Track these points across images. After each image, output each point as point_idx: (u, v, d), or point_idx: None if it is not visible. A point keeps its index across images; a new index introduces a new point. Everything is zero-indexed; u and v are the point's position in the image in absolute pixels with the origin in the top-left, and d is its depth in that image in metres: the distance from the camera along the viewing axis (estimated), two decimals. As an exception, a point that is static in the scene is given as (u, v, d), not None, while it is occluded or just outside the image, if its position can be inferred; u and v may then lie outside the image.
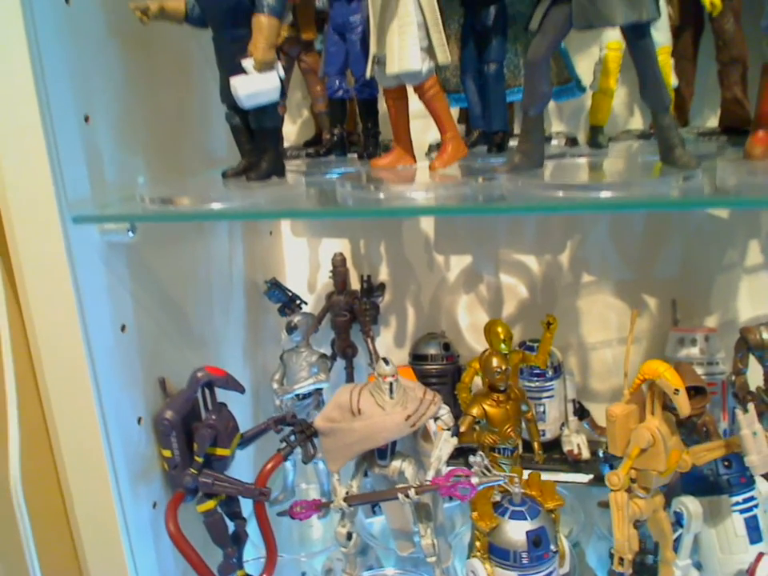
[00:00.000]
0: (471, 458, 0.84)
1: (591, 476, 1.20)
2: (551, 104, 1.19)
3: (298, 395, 1.16)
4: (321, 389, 1.18)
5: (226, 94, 0.79)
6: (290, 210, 0.82)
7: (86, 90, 0.76)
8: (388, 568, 1.07)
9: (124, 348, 0.85)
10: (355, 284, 1.35)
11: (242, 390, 0.92)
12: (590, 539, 1.14)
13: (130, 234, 0.79)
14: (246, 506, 0.97)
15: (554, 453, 1.22)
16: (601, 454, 1.14)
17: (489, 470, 0.82)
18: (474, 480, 0.80)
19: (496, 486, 0.83)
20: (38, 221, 0.74)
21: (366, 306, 1.30)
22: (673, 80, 0.94)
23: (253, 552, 1.04)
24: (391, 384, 0.89)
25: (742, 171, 0.71)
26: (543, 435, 1.22)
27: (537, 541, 0.82)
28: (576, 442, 1.23)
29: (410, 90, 0.84)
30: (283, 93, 0.78)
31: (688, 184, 0.68)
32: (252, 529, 0.99)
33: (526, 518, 0.84)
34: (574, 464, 1.21)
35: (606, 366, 1.33)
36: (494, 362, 0.96)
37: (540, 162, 0.75)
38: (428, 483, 0.85)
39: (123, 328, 0.84)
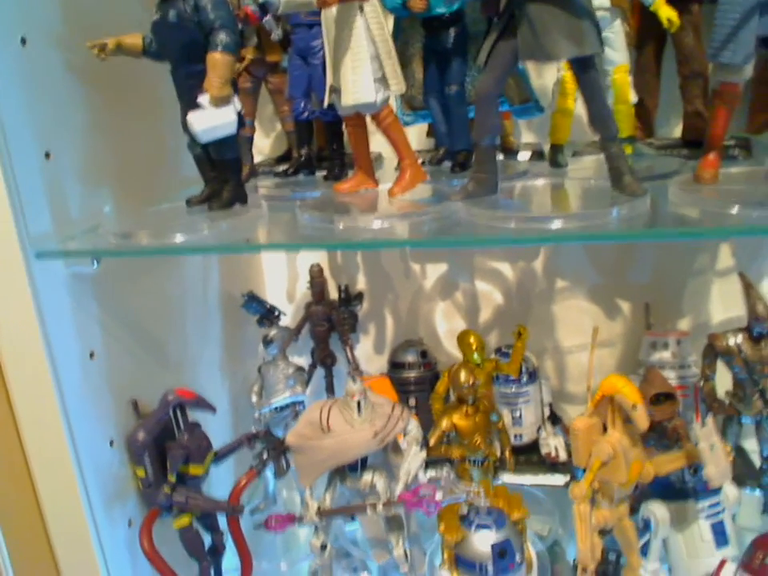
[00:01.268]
0: (436, 473, 0.86)
1: (568, 478, 1.23)
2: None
3: (276, 407, 1.18)
4: (301, 401, 1.19)
5: (188, 127, 0.80)
6: (248, 245, 0.83)
7: (47, 127, 0.78)
8: (364, 573, 1.09)
9: (93, 374, 0.86)
10: (333, 294, 1.36)
11: (212, 410, 0.93)
12: (570, 539, 1.16)
13: (95, 264, 0.81)
14: (224, 518, 0.99)
15: (532, 456, 1.24)
16: (574, 460, 1.16)
17: (456, 484, 0.85)
18: (438, 496, 0.82)
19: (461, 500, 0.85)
20: (1, 256, 0.75)
21: (344, 315, 1.31)
22: (632, 96, 0.94)
23: (235, 562, 1.06)
24: (359, 402, 0.91)
25: (688, 200, 0.73)
26: (520, 439, 1.24)
27: (502, 552, 0.84)
28: (553, 445, 1.24)
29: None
30: (242, 124, 0.79)
31: (631, 214, 0.70)
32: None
33: (491, 530, 0.85)
34: (552, 466, 1.23)
35: (581, 370, 1.34)
36: (462, 376, 0.98)
37: (494, 189, 0.77)
38: (395, 499, 0.87)
39: (92, 355, 0.86)
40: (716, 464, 0.83)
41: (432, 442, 0.97)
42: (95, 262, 0.81)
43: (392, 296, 1.38)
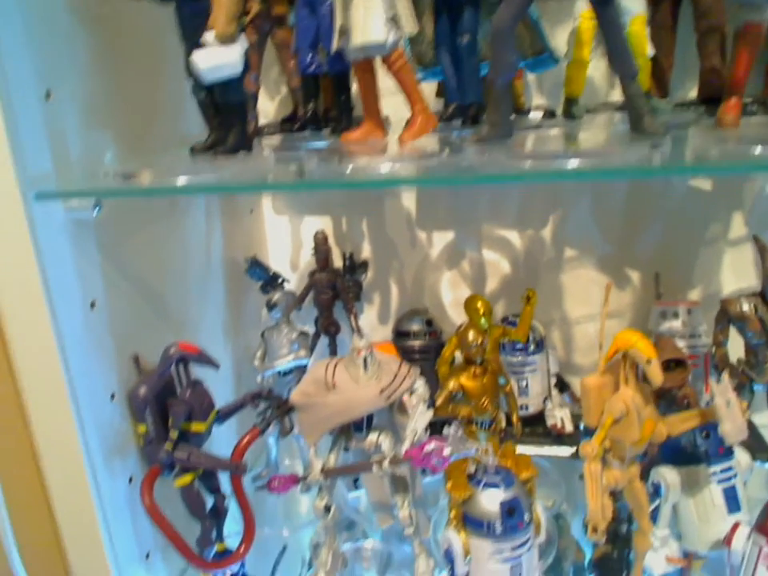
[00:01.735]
0: (446, 430, 0.84)
1: (574, 449, 1.21)
2: (531, 77, 1.18)
3: (279, 372, 1.16)
4: (304, 365, 1.18)
5: (191, 69, 0.78)
6: (254, 184, 0.82)
7: (47, 66, 0.76)
8: (369, 539, 1.07)
9: (94, 324, 0.84)
10: (338, 262, 1.34)
11: (216, 366, 0.92)
12: (574, 511, 1.14)
13: (96, 210, 0.79)
14: (226, 480, 0.97)
15: (538, 427, 1.22)
16: (582, 427, 1.14)
17: (463, 442, 0.83)
18: (446, 451, 0.80)
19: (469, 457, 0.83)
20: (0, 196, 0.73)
21: (348, 283, 1.29)
22: (648, 49, 0.92)
23: (235, 526, 1.05)
24: (365, 358, 0.89)
25: (711, 138, 0.70)
26: (526, 409, 1.22)
27: (510, 510, 0.82)
28: (559, 416, 1.23)
29: (379, 62, 0.83)
30: (248, 67, 0.77)
31: (654, 151, 0.68)
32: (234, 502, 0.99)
33: (499, 488, 0.84)
34: (557, 438, 1.21)
35: (588, 341, 1.32)
36: (470, 335, 0.96)
37: (509, 132, 0.75)
38: (402, 455, 0.85)
39: (93, 305, 0.84)
40: (732, 420, 0.81)
41: (439, 401, 0.95)
42: (96, 208, 0.78)
43: (397, 265, 1.36)
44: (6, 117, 0.71)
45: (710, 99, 0.98)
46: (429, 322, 1.28)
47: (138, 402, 0.88)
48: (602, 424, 0.84)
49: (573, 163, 0.66)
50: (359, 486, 1.14)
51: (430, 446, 0.82)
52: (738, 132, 0.72)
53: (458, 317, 1.35)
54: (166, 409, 0.91)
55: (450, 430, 0.85)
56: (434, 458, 0.81)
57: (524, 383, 1.22)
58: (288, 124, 1.09)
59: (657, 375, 0.79)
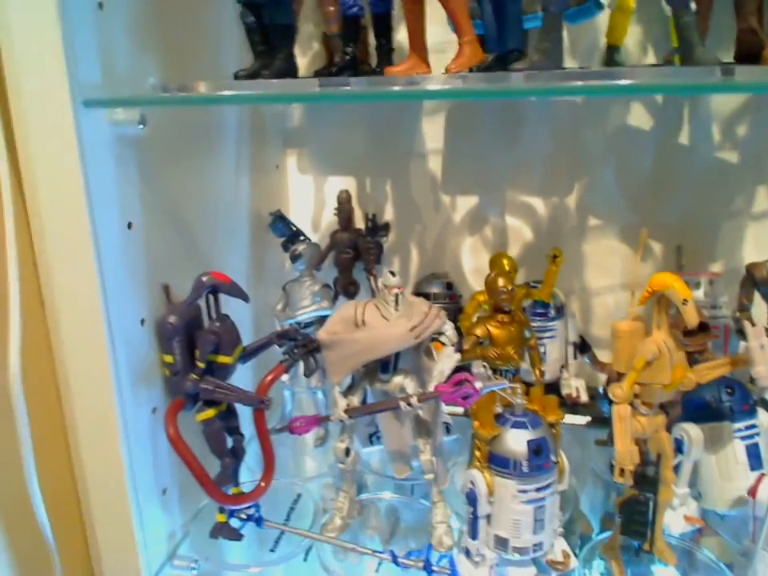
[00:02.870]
0: (474, 369, 0.84)
1: (589, 418, 1.21)
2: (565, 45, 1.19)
3: (299, 323, 1.16)
4: (325, 317, 1.17)
5: (241, -8, 0.78)
6: (299, 95, 0.82)
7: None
8: (385, 492, 1.07)
9: (130, 245, 0.84)
10: (360, 223, 1.34)
11: (246, 298, 0.91)
12: (585, 487, 1.13)
13: (140, 126, 0.79)
14: (244, 422, 0.97)
15: (552, 395, 1.22)
16: (601, 390, 1.14)
17: (491, 379, 0.83)
18: (478, 384, 0.80)
19: (499, 391, 0.82)
20: (50, 102, 0.73)
21: (369, 244, 1.29)
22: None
23: (248, 475, 1.04)
24: (397, 295, 0.89)
25: (757, 72, 0.71)
26: (542, 377, 1.22)
27: (537, 449, 0.82)
28: (575, 386, 1.23)
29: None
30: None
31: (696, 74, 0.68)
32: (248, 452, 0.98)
33: (527, 428, 0.83)
34: (572, 407, 1.21)
35: (607, 312, 1.32)
36: (500, 281, 0.96)
37: (559, 61, 0.75)
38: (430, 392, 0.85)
39: (130, 225, 0.84)
40: (765, 363, 0.81)
41: (467, 346, 0.95)
42: (141, 124, 0.78)
43: (419, 228, 1.37)
44: (63, 22, 0.71)
45: (747, 59, 0.99)
46: (449, 285, 1.28)
47: (167, 330, 0.88)
48: (634, 366, 0.84)
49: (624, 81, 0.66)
50: (375, 442, 1.13)
51: (461, 380, 0.82)
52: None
53: (478, 283, 1.35)
54: (192, 342, 0.90)
55: (477, 369, 0.85)
56: (465, 391, 0.80)
57: (542, 349, 1.21)
58: (324, 70, 1.09)
59: (692, 315, 0.79)
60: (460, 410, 1.15)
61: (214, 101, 0.84)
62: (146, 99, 0.77)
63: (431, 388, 0.88)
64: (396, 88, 0.75)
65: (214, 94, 0.74)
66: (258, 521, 0.96)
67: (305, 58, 1.28)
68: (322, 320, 1.18)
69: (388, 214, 1.37)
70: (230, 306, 0.92)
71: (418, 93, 0.82)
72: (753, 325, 1.02)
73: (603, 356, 1.19)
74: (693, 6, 0.71)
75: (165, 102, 0.80)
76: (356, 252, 1.29)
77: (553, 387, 1.22)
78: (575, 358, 1.23)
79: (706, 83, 0.69)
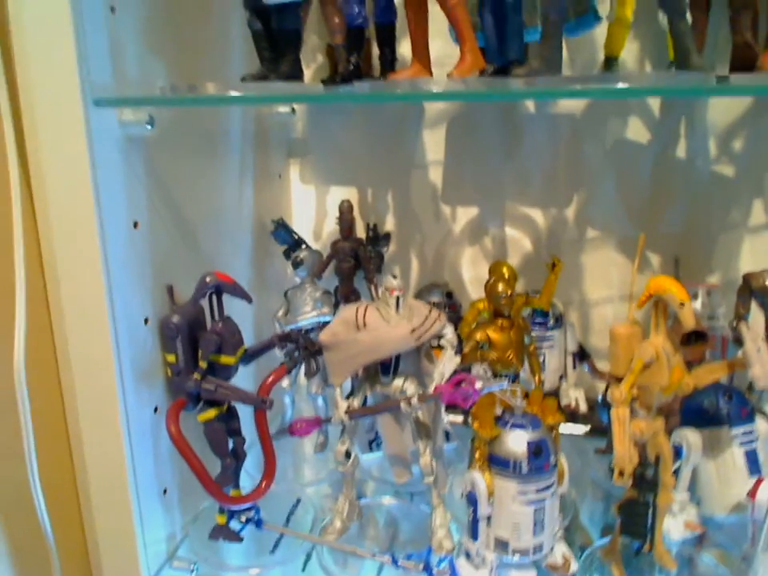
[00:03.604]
0: (474, 370, 0.85)
1: (588, 427, 1.21)
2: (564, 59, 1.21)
3: (300, 329, 1.16)
4: (326, 323, 1.18)
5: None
6: (304, 94, 0.83)
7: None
8: (385, 496, 1.07)
9: (136, 244, 0.85)
10: (361, 234, 1.35)
11: (249, 299, 0.92)
12: (584, 498, 1.13)
13: (148, 127, 0.80)
14: (245, 426, 0.97)
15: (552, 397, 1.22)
16: (599, 399, 1.14)
17: (491, 380, 0.83)
18: (478, 384, 0.81)
19: (499, 394, 0.83)
20: (61, 100, 0.75)
21: (370, 254, 1.31)
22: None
23: (247, 480, 1.04)
24: (398, 298, 0.90)
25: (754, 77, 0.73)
26: (541, 386, 1.22)
27: (537, 450, 0.83)
28: (574, 396, 1.23)
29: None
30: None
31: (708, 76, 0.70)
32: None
33: (526, 429, 0.84)
34: (571, 417, 1.22)
35: (606, 323, 1.33)
36: (500, 286, 0.97)
37: (558, 66, 0.77)
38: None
39: (136, 224, 0.85)
40: (762, 364, 0.82)
41: (467, 349, 0.96)
42: (149, 125, 0.80)
43: (420, 238, 1.38)
44: (75, 23, 0.73)
45: (742, 71, 1.01)
46: (449, 295, 1.29)
47: (170, 330, 0.89)
48: (632, 369, 0.84)
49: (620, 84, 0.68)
50: (374, 448, 1.14)
51: (460, 380, 0.83)
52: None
53: (478, 293, 1.35)
54: (195, 342, 0.91)
55: (477, 370, 0.85)
56: (465, 391, 0.81)
57: (541, 358, 1.22)
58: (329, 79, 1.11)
59: (689, 318, 0.80)
60: (460, 418, 1.18)
61: (221, 101, 0.86)
62: (155, 99, 0.79)
63: (431, 390, 0.89)
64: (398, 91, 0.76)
65: (222, 94, 0.76)
66: (258, 522, 0.96)
67: (309, 69, 1.30)
68: (323, 326, 1.19)
69: (389, 224, 1.39)
70: (231, 311, 0.92)
71: (419, 94, 0.84)
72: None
73: (602, 367, 1.19)
74: (689, 17, 0.72)
75: (173, 103, 0.82)
76: (357, 261, 1.30)
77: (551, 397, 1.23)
78: (574, 368, 1.24)
79: (702, 86, 0.70)
